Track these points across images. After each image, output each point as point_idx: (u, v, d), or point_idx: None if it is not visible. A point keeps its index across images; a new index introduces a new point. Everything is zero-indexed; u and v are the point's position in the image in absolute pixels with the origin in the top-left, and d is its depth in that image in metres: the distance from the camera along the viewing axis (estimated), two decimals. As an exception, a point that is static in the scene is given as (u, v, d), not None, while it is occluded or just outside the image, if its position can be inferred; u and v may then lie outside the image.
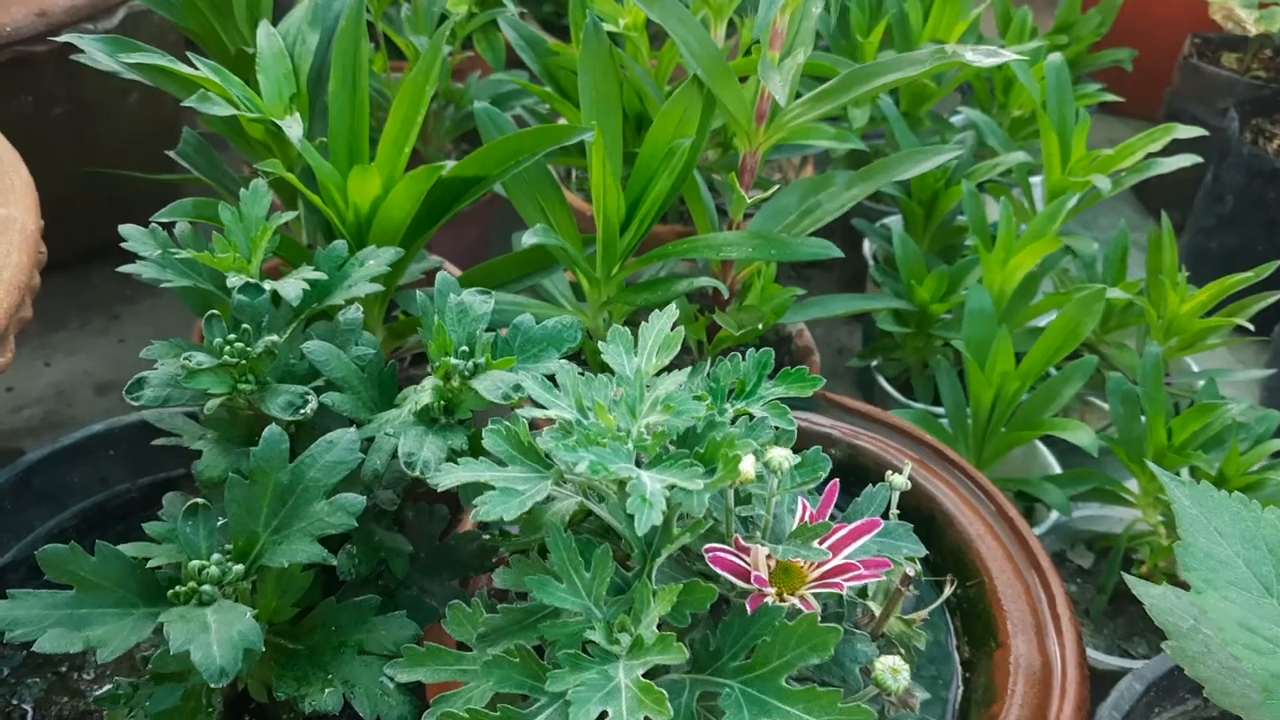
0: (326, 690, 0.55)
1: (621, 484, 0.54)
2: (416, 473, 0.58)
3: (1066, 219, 1.07)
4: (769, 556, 0.56)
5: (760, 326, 0.84)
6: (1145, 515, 0.88)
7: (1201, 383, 0.97)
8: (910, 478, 0.80)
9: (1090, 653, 0.83)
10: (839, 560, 0.57)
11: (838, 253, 0.82)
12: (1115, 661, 0.84)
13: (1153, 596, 0.66)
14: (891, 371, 1.10)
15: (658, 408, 0.55)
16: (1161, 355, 0.85)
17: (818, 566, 0.57)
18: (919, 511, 0.78)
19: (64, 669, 0.74)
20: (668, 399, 0.55)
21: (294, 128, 0.79)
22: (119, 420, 0.81)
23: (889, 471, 0.65)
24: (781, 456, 0.56)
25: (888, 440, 0.83)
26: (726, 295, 0.89)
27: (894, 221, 1.20)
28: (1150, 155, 1.04)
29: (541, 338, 0.66)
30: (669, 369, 0.61)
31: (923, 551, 0.62)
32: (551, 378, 0.58)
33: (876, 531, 0.59)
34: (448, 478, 0.54)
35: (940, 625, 0.76)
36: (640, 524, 0.49)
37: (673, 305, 0.61)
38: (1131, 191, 1.64)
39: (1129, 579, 0.66)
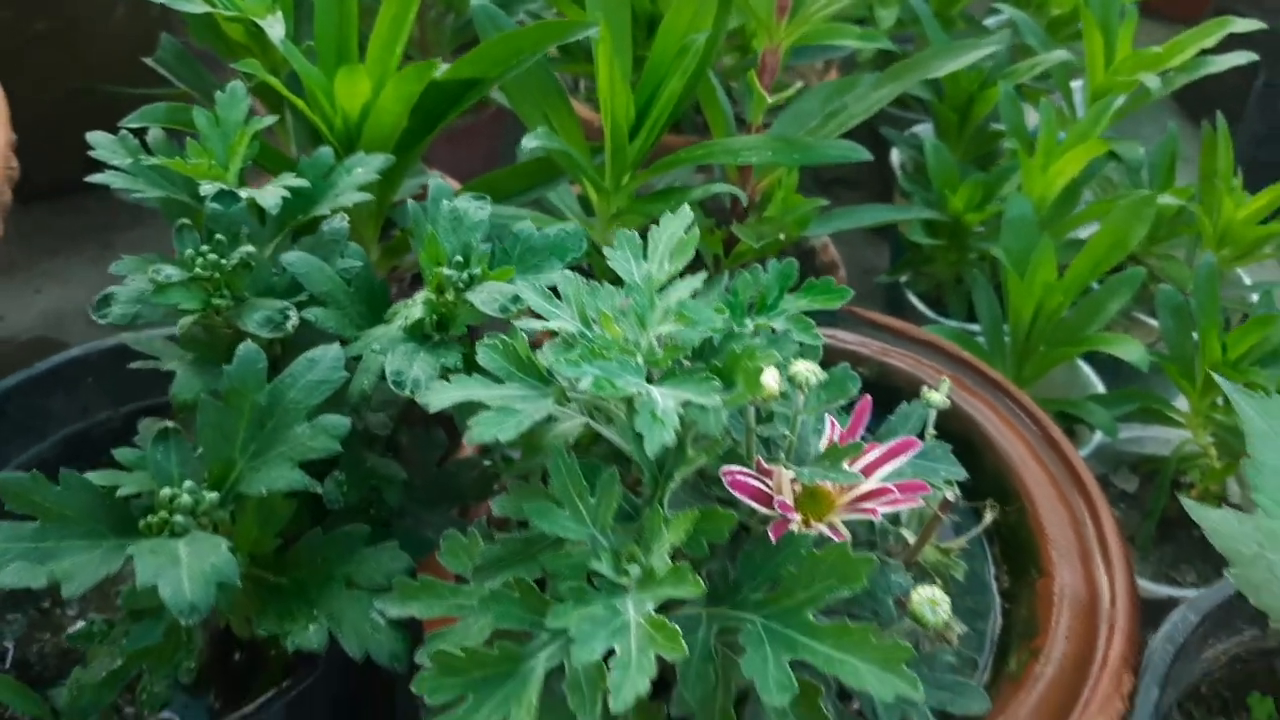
0: (311, 626, 0.51)
1: (630, 402, 0.49)
2: (406, 392, 0.52)
3: (1110, 123, 1.00)
4: (794, 480, 0.51)
5: (782, 238, 0.78)
6: (1195, 436, 0.83)
7: (1255, 296, 0.90)
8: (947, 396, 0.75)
9: (1137, 581, 0.78)
10: (871, 484, 0.52)
11: (865, 155, 0.76)
12: (1163, 590, 0.79)
13: (1212, 520, 0.60)
14: (922, 287, 1.03)
15: (670, 317, 0.50)
16: (1216, 264, 0.79)
17: (847, 491, 0.52)
18: (955, 433, 0.72)
19: (46, 605, 0.70)
20: (681, 307, 0.49)
21: (275, 27, 0.73)
22: (98, 344, 0.76)
23: (925, 387, 0.60)
24: (808, 370, 0.51)
25: (921, 357, 0.77)
26: (745, 204, 0.83)
27: (924, 130, 1.13)
28: (1203, 52, 0.97)
29: (543, 247, 0.60)
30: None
31: (962, 474, 0.57)
32: (555, 290, 0.53)
33: (913, 453, 0.54)
34: (438, 396, 0.48)
35: (977, 554, 0.70)
36: (650, 444, 0.44)
37: (686, 206, 0.55)
38: (1175, 101, 1.55)
39: (1186, 502, 0.61)
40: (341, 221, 0.62)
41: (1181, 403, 0.85)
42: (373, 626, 0.52)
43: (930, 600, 0.48)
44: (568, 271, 0.52)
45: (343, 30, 0.78)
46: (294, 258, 0.58)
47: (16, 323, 1.14)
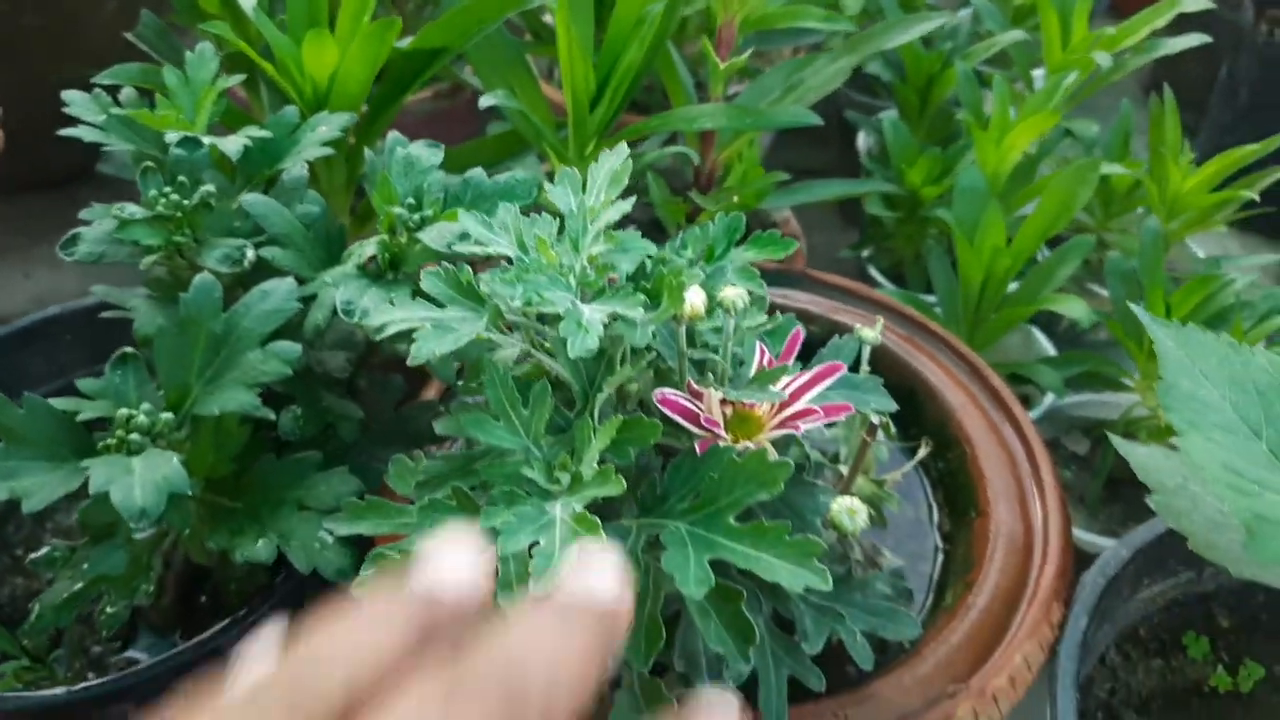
0: (260, 541, 0.53)
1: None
2: (355, 320, 0.55)
3: (1070, 105, 1.03)
4: (724, 401, 0.53)
5: (735, 199, 0.80)
6: (1144, 399, 0.85)
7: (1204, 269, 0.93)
8: (893, 350, 0.77)
9: (1084, 535, 0.80)
10: (799, 406, 0.54)
11: (815, 120, 0.78)
12: (1109, 543, 0.80)
13: (1140, 455, 0.63)
14: (885, 262, 1.06)
15: (601, 239, 0.52)
16: (1161, 230, 0.81)
17: (776, 414, 0.54)
18: (901, 386, 0.75)
19: (19, 552, 0.72)
20: (611, 230, 0.52)
21: (248, -2, 0.76)
22: (74, 304, 0.79)
23: (858, 325, 0.62)
24: (736, 295, 0.53)
25: (870, 315, 0.79)
26: (707, 177, 0.86)
27: (891, 115, 1.15)
28: (1155, 34, 0.99)
29: (494, 192, 0.62)
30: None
31: (893, 406, 0.59)
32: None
33: (839, 380, 0.56)
34: (381, 317, 0.51)
35: (922, 501, 0.73)
36: (574, 347, 0.46)
37: (623, 144, 0.57)
38: (1143, 92, 1.58)
39: (1114, 438, 0.63)
40: (301, 170, 0.64)
41: (1131, 368, 0.87)
42: (321, 544, 0.55)
43: (849, 509, 0.50)
44: (508, 204, 0.54)
45: (314, 3, 0.81)
46: (252, 199, 0.60)
47: (6, 305, 1.17)
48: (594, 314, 0.48)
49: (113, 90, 0.71)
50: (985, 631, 0.60)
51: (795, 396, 0.55)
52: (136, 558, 0.58)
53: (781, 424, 0.53)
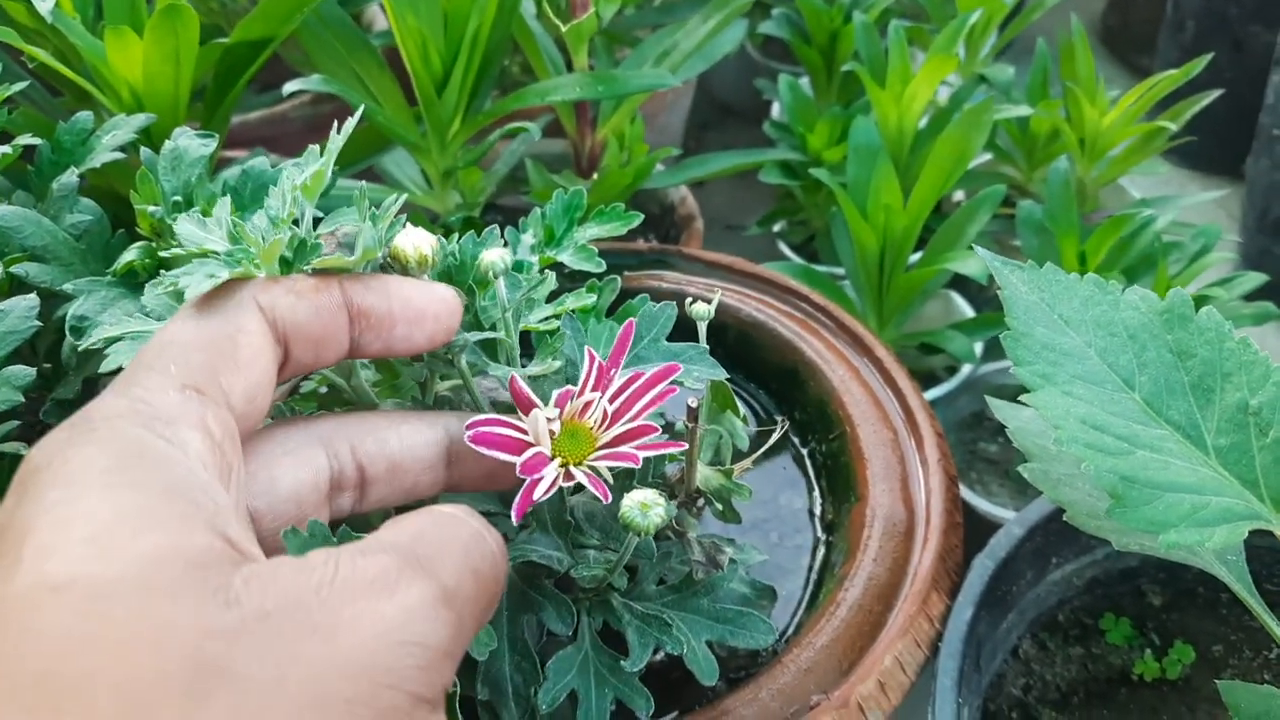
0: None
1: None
2: (82, 344, 0.49)
3: (997, 49, 0.96)
4: (552, 420, 0.45)
5: (594, 176, 0.74)
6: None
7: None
8: (772, 327, 0.70)
9: (1006, 514, 0.73)
10: (636, 410, 0.46)
11: (673, 81, 0.71)
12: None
13: (1020, 419, 0.55)
14: (798, 238, 0.99)
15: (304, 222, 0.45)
16: (1071, 170, 0.74)
17: (605, 424, 0.46)
18: (783, 365, 0.68)
19: None
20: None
21: (45, 1, 0.71)
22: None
23: (689, 298, 0.55)
24: (496, 256, 0.45)
25: (749, 292, 0.72)
26: (538, 136, 0.77)
27: (787, 77, 1.08)
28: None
29: (275, 182, 0.56)
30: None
31: (722, 374, 0.51)
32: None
33: (658, 351, 0.50)
34: (97, 334, 0.45)
35: (805, 490, 0.65)
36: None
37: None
38: (1100, 41, 1.49)
39: (990, 400, 0.56)
40: (70, 176, 0.58)
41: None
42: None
43: (640, 504, 0.43)
44: (225, 198, 0.47)
45: (134, 6, 0.75)
46: (3, 211, 0.54)
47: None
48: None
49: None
50: (856, 631, 0.53)
51: (633, 399, 0.46)
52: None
53: (612, 443, 0.45)
